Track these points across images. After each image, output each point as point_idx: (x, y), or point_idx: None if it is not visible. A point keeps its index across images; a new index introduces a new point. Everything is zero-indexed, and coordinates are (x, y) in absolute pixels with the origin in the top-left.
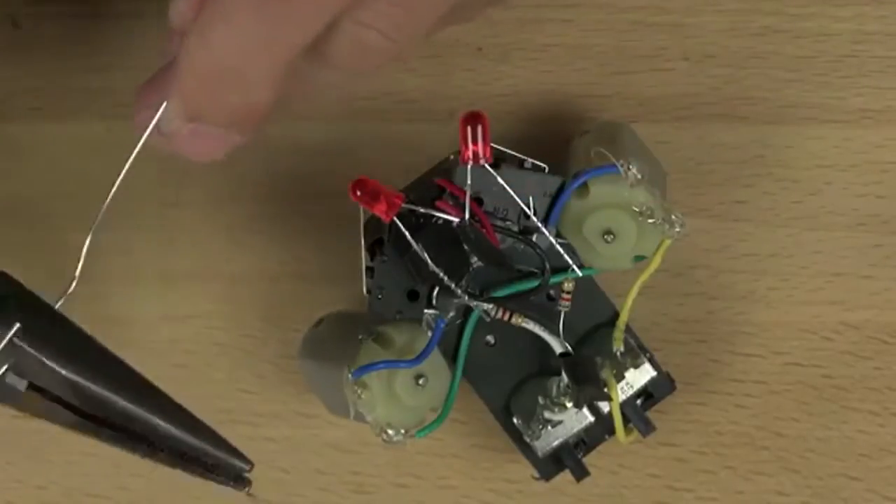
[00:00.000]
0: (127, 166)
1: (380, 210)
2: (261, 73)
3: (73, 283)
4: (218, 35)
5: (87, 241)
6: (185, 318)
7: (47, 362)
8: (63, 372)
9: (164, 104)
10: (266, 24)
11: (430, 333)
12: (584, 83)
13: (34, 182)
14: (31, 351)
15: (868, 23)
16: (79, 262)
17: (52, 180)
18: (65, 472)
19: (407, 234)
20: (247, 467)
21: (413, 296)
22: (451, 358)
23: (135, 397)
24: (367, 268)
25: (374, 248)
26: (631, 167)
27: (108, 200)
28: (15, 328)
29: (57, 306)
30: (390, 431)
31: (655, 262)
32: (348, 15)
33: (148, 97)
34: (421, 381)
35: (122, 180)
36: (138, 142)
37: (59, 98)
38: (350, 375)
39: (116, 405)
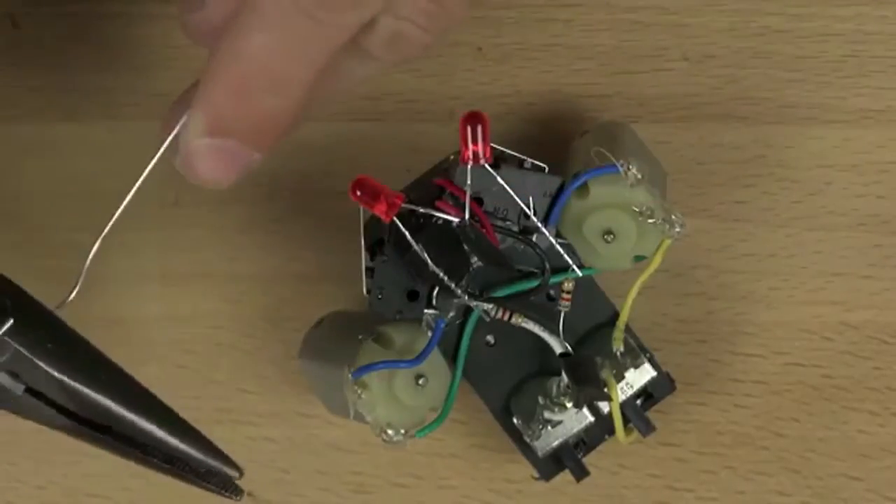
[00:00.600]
0: (140, 181)
1: (380, 210)
2: (298, 75)
3: (75, 290)
4: (256, 38)
5: (94, 249)
6: (185, 318)
7: (42, 365)
8: (57, 375)
9: (185, 118)
10: (307, 24)
11: (430, 333)
12: (584, 83)
13: (34, 182)
14: (26, 353)
15: (868, 23)
16: (83, 268)
17: (52, 180)
18: (65, 472)
19: (407, 234)
20: (237, 474)
21: (413, 296)
22: (451, 358)
23: (128, 402)
24: (367, 268)
25: (374, 248)
26: (631, 167)
27: (119, 211)
28: (7, 325)
29: (55, 309)
30: (390, 431)
31: (655, 262)
32: (386, 9)
33: (175, 114)
34: (421, 382)
35: (125, 185)
36: (153, 152)
37: (60, 98)
38: (350, 375)
39: (110, 410)
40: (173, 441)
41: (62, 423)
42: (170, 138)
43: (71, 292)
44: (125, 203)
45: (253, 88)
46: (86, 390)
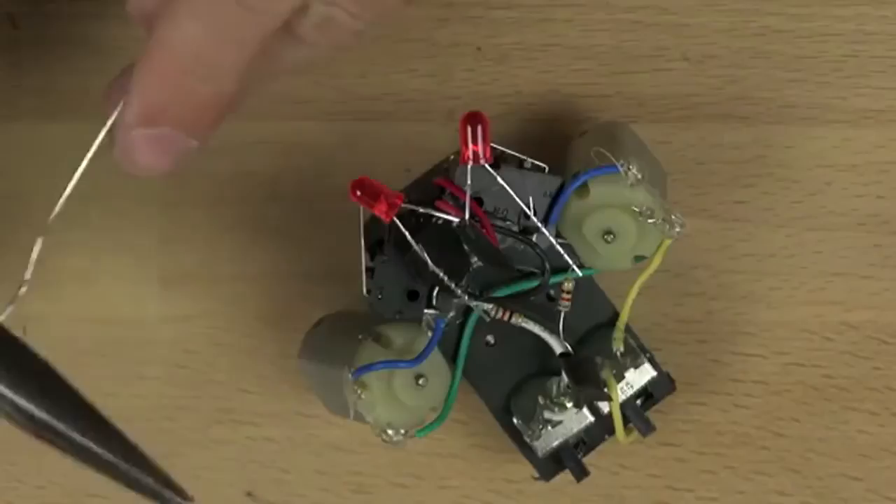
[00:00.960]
0: (80, 170)
1: (380, 210)
2: (230, 62)
3: (23, 289)
4: (187, 25)
5: (38, 245)
6: (185, 318)
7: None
8: (10, 395)
9: (119, 106)
10: (238, 11)
11: (430, 333)
12: (584, 83)
13: (33, 182)
14: None
15: (868, 23)
16: (29, 264)
17: (51, 180)
18: (65, 472)
19: (407, 234)
20: (183, 502)
21: (413, 296)
22: (451, 358)
23: (86, 431)
24: (367, 268)
25: (374, 248)
26: (631, 167)
27: (58, 206)
28: None
29: (8, 312)
30: (390, 431)
31: (655, 262)
32: None
33: (110, 100)
34: (421, 382)
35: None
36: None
37: (59, 98)
38: (350, 375)
39: (66, 436)
40: (127, 468)
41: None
42: (104, 131)
43: (19, 289)
44: (65, 194)
45: (185, 77)
46: (38, 412)
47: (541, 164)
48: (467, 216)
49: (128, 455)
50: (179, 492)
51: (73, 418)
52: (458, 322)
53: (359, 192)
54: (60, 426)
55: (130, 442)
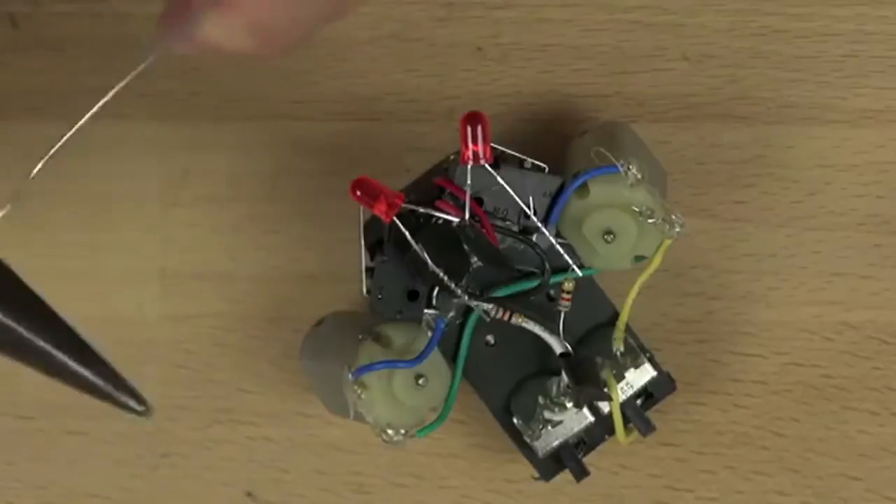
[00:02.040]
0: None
1: (380, 210)
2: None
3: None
4: None
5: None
6: (185, 318)
7: None
8: None
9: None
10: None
11: (430, 333)
12: (584, 83)
13: (33, 182)
14: None
15: (868, 23)
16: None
17: (50, 180)
18: (65, 472)
19: (407, 234)
20: (140, 408)
21: (413, 296)
22: (451, 358)
23: (37, 328)
24: (367, 268)
25: (374, 248)
26: (631, 167)
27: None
28: None
29: None
30: (390, 431)
31: (655, 262)
32: None
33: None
34: (421, 382)
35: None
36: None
37: (59, 98)
38: (350, 375)
39: (22, 339)
40: (82, 371)
41: None
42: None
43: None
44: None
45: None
46: (19, 330)
47: (541, 164)
48: (467, 216)
49: (94, 365)
50: (141, 401)
51: (48, 334)
52: (458, 322)
53: (359, 192)
54: (38, 342)
55: (95, 351)
